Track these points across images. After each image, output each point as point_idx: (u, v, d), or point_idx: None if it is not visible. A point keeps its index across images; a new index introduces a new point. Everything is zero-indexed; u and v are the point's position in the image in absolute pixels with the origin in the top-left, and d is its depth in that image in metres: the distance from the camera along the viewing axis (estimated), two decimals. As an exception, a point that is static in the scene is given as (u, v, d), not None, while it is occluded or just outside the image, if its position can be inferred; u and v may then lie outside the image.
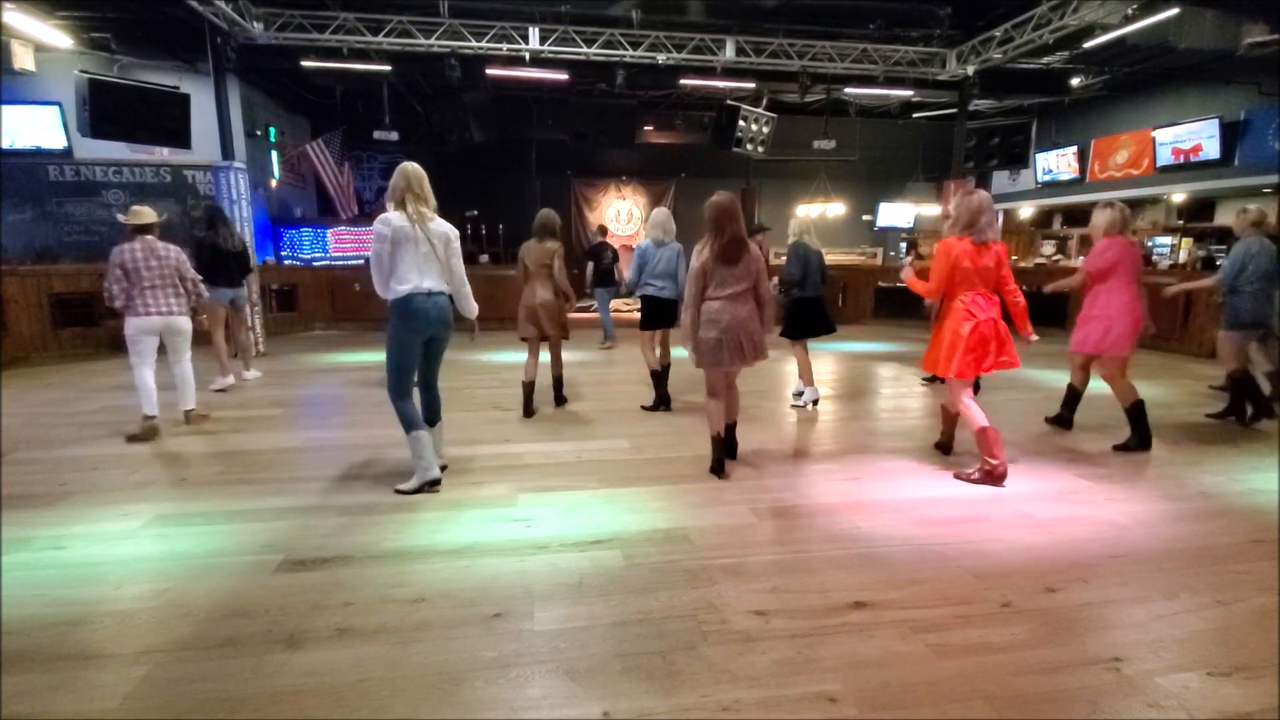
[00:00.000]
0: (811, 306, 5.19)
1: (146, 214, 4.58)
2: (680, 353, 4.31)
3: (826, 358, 7.75)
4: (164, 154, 9.24)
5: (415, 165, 3.37)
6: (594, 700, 1.89)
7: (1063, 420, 4.75)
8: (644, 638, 2.18)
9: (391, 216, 3.27)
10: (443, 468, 3.64)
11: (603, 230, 9.66)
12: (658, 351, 5.32)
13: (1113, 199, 4.41)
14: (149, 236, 4.52)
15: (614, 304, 9.19)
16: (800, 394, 5.38)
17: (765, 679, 1.98)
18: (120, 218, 4.63)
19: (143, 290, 4.43)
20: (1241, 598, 2.47)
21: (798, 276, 5.07)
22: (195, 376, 4.83)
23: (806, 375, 5.32)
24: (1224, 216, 10.43)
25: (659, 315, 5.22)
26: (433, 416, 3.67)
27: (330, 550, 2.79)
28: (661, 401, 5.23)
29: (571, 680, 1.97)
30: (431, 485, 3.48)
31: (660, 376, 5.26)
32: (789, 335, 5.27)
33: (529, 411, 5.00)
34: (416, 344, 3.43)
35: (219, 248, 5.95)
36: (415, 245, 3.31)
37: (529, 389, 5.02)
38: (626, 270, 6.70)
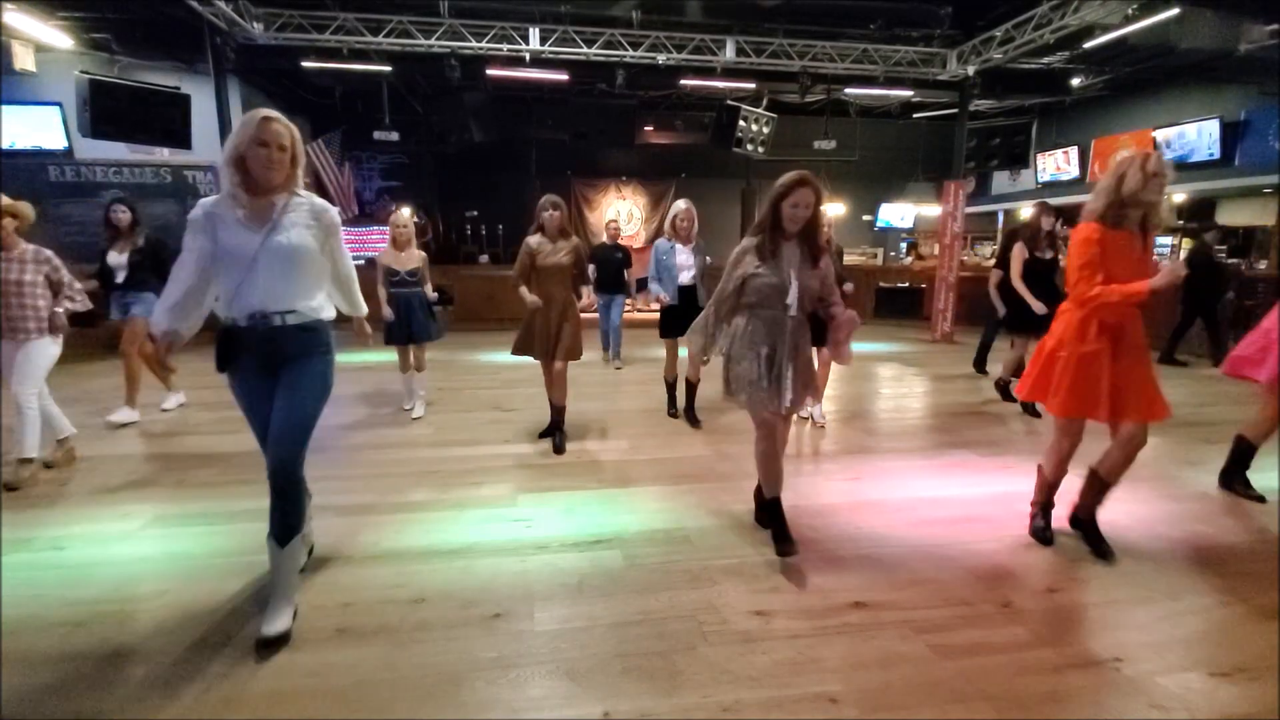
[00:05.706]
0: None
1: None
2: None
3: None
4: (164, 154, 9.23)
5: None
6: (594, 701, 1.88)
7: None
8: (644, 638, 2.18)
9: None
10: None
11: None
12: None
13: None
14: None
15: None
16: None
17: (766, 679, 1.98)
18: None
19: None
20: (1242, 598, 2.46)
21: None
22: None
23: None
24: (1224, 216, 10.48)
25: None
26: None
27: (330, 550, 2.78)
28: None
29: (572, 681, 1.97)
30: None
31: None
32: None
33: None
34: None
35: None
36: None
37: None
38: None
